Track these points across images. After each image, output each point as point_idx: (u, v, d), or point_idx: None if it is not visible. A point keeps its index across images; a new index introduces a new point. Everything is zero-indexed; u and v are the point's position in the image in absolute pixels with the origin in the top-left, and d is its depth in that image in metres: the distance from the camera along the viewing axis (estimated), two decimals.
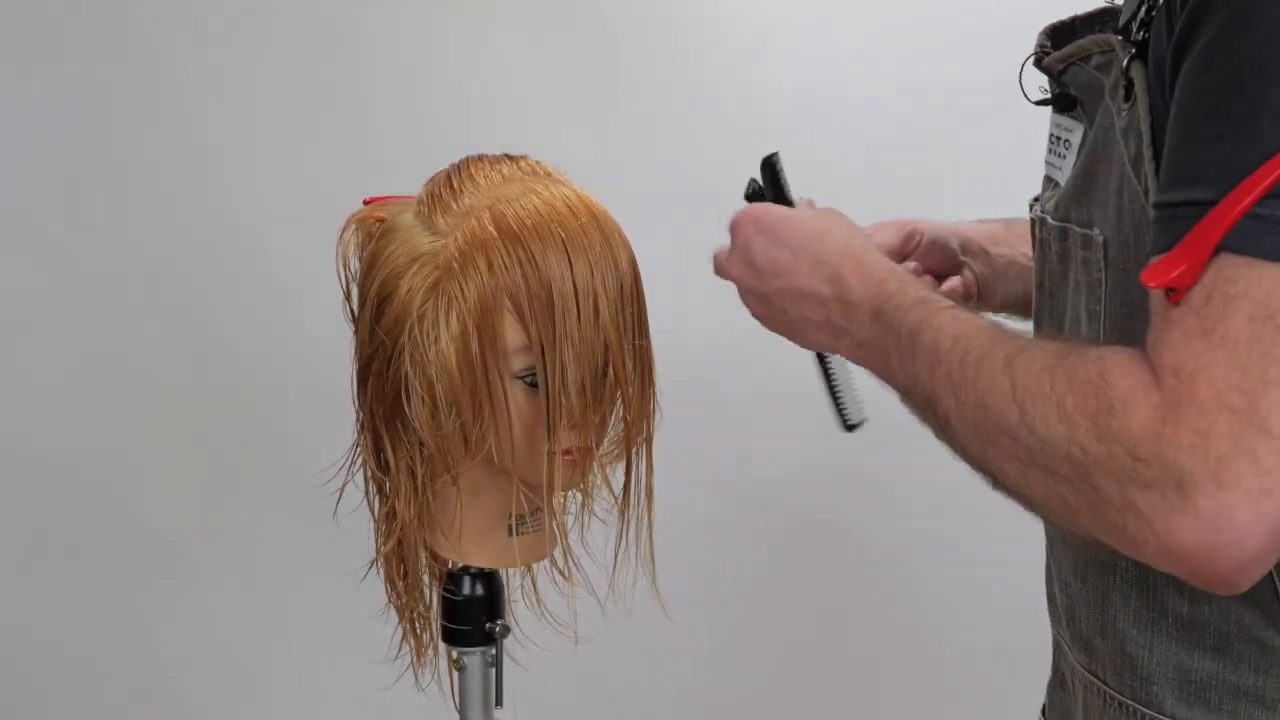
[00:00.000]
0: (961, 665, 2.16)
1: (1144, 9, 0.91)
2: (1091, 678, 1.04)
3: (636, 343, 1.16)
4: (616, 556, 1.21)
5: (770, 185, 1.21)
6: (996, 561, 2.11)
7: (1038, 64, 1.08)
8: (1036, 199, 1.13)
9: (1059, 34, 1.09)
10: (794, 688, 2.20)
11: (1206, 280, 0.77)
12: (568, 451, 1.14)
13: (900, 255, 1.30)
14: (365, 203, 1.22)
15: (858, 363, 1.05)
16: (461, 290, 1.09)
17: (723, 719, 2.24)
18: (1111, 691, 1.01)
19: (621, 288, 1.13)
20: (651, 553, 1.23)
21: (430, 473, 1.17)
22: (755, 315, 1.15)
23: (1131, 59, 0.90)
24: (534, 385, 1.11)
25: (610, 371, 1.14)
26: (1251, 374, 0.75)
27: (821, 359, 1.18)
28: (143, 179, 2.11)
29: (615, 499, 1.22)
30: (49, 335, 2.16)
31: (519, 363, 1.11)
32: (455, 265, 1.10)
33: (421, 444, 1.15)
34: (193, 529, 2.20)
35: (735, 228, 1.15)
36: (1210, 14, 0.80)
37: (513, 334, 1.10)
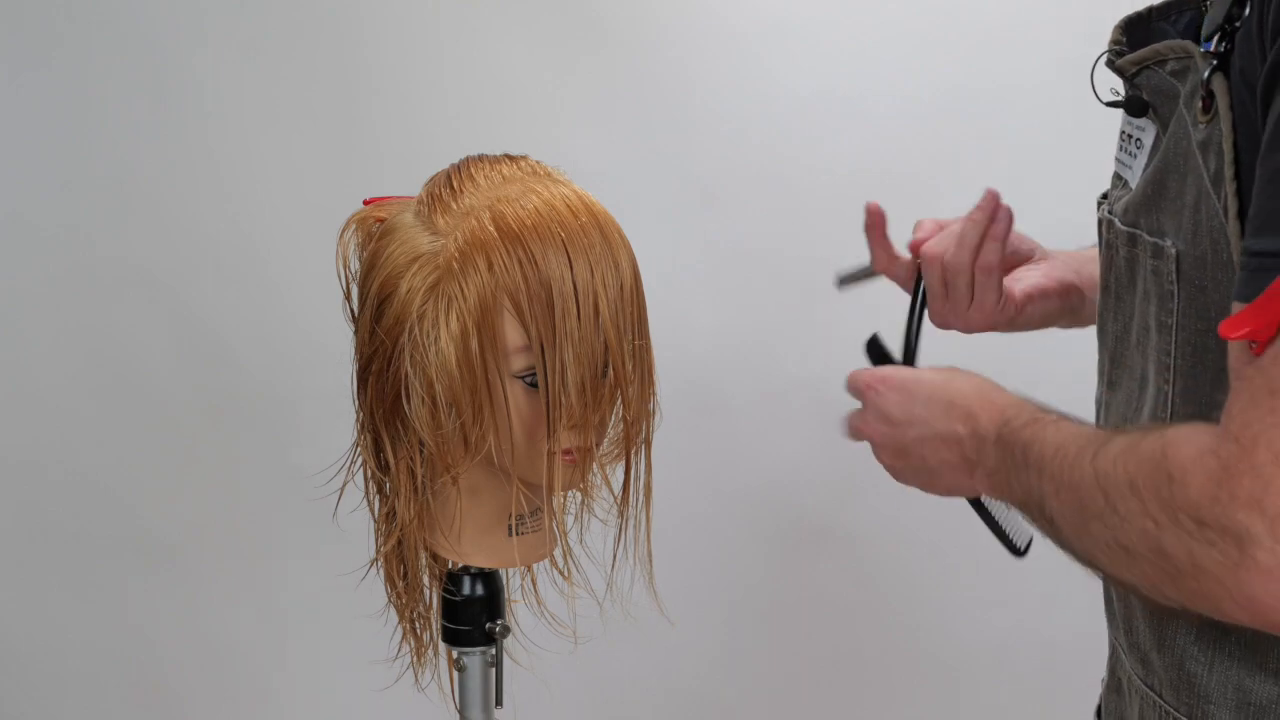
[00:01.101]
0: (961, 666, 2.16)
1: (1225, 20, 0.90)
2: (1147, 690, 1.04)
3: (636, 343, 1.15)
4: (615, 556, 1.21)
5: (881, 360, 1.25)
6: (998, 563, 2.10)
7: (1110, 64, 1.06)
8: (1105, 196, 1.12)
9: (1133, 28, 1.08)
10: (793, 688, 2.20)
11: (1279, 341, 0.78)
12: (567, 451, 1.14)
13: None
14: (365, 203, 1.22)
15: (988, 491, 1.07)
16: (461, 290, 1.09)
17: (722, 718, 2.24)
18: (1167, 707, 1.01)
19: (621, 288, 1.12)
20: (650, 553, 1.23)
21: (430, 473, 1.17)
22: (892, 469, 1.15)
23: (1213, 71, 0.89)
24: (534, 385, 1.11)
25: (610, 372, 1.14)
26: None
27: (976, 501, 1.19)
28: (142, 181, 2.11)
29: (615, 499, 1.22)
30: (49, 337, 2.16)
31: (519, 363, 1.11)
32: (455, 265, 1.09)
33: (421, 444, 1.15)
34: (193, 529, 2.20)
35: (864, 389, 1.16)
36: None
37: (513, 334, 1.10)
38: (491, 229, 1.09)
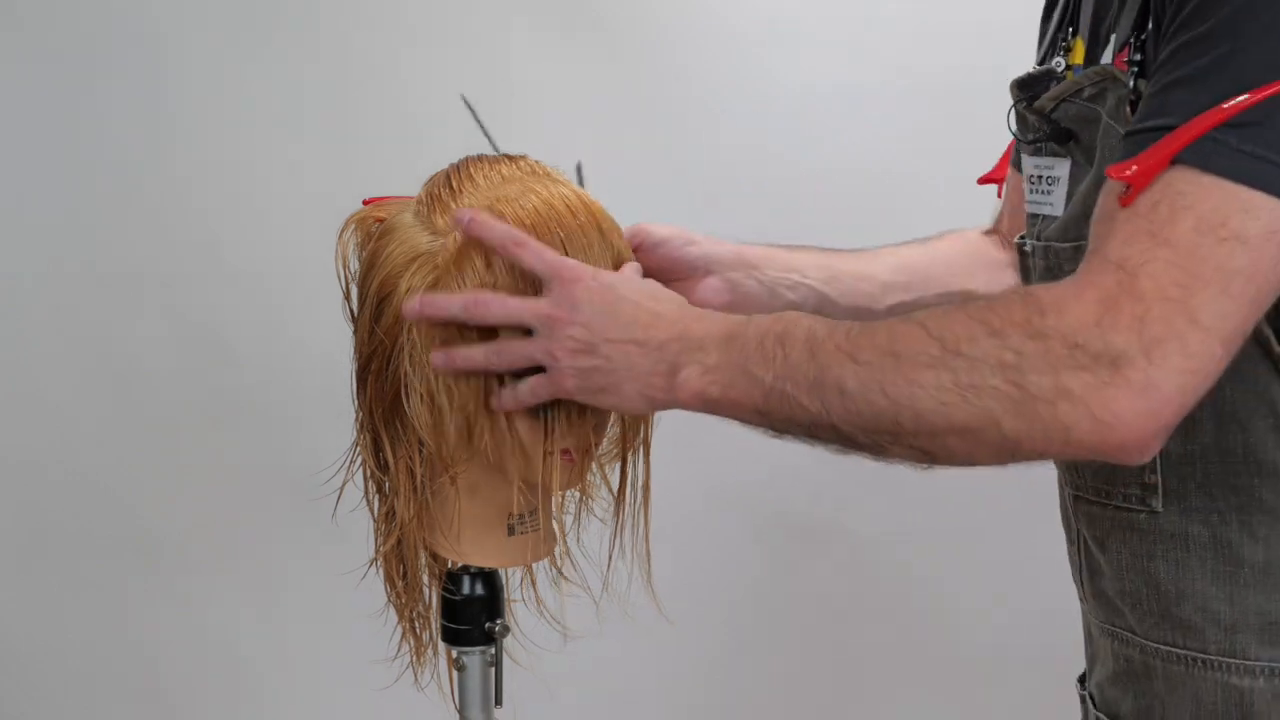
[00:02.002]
0: (961, 666, 2.16)
1: (1133, 34, 1.00)
2: (1171, 649, 1.08)
3: None
4: (611, 557, 1.22)
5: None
6: (996, 560, 2.11)
7: (1028, 109, 1.15)
8: (1023, 238, 1.18)
9: (1026, 86, 1.16)
10: (793, 688, 2.20)
11: (1156, 190, 0.87)
12: (566, 451, 1.15)
13: None
14: (365, 203, 1.22)
15: (697, 391, 1.04)
16: (460, 289, 1.09)
17: (722, 718, 2.24)
18: (1194, 654, 1.07)
19: None
20: (648, 552, 1.23)
21: (430, 472, 1.17)
22: (570, 370, 1.06)
23: (1136, 78, 0.99)
24: None
25: None
26: (1190, 271, 0.85)
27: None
28: (143, 179, 2.11)
29: (613, 496, 1.22)
30: (49, 337, 2.16)
31: None
32: (453, 265, 1.10)
33: (421, 443, 1.15)
34: (193, 529, 2.20)
35: (568, 278, 1.06)
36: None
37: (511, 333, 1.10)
38: None
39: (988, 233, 1.43)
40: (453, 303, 1.07)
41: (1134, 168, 0.88)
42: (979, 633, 2.14)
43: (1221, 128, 0.87)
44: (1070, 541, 1.20)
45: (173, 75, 2.08)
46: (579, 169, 1.24)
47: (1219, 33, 0.88)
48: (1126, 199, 0.88)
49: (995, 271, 1.36)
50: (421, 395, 1.11)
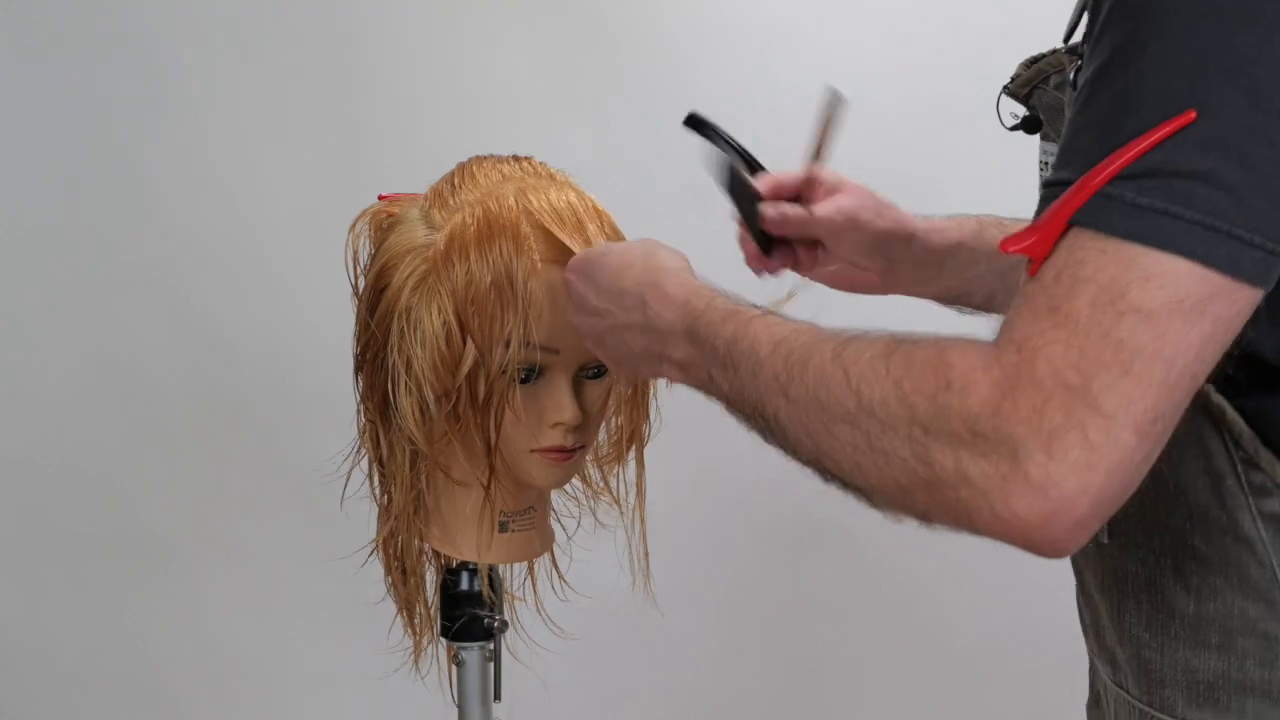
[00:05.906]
0: (961, 666, 2.16)
1: (1081, 23, 0.93)
2: (1118, 689, 1.05)
3: None
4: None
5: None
6: (997, 561, 2.11)
7: (1007, 91, 1.11)
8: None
9: (1036, 64, 1.12)
10: (794, 688, 2.20)
11: (1059, 258, 0.79)
12: (551, 450, 1.15)
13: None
14: (380, 198, 1.23)
15: (681, 381, 1.05)
16: (445, 283, 1.10)
17: (723, 718, 2.24)
18: (1135, 702, 1.02)
19: None
20: (646, 551, 1.24)
21: (423, 464, 1.17)
22: (607, 359, 1.12)
23: (1078, 71, 0.91)
24: (525, 381, 1.12)
25: (604, 371, 1.16)
26: (1089, 355, 0.77)
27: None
28: (143, 179, 2.11)
29: (611, 498, 1.23)
30: (48, 335, 2.16)
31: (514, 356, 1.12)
32: (440, 259, 1.10)
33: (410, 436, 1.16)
34: (191, 526, 2.20)
35: (566, 280, 1.12)
36: (1100, 9, 0.83)
37: (497, 328, 1.11)
38: (473, 226, 1.10)
39: None
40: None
41: (1031, 238, 0.81)
42: (980, 633, 2.14)
43: (1116, 180, 0.78)
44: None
45: (173, 74, 2.08)
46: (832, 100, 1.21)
47: (1115, 64, 0.80)
48: (1031, 269, 0.81)
49: None
50: (408, 387, 1.11)
